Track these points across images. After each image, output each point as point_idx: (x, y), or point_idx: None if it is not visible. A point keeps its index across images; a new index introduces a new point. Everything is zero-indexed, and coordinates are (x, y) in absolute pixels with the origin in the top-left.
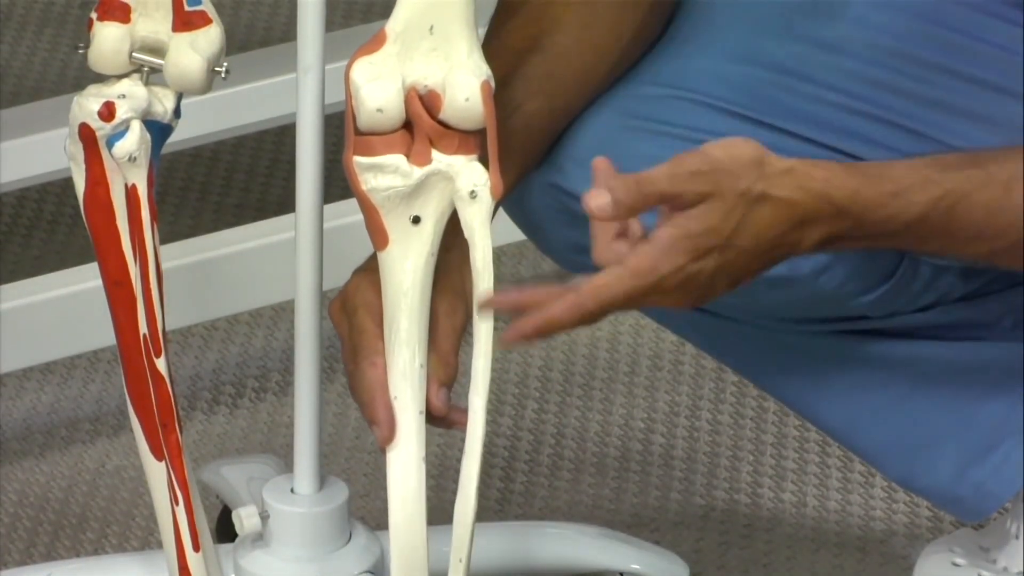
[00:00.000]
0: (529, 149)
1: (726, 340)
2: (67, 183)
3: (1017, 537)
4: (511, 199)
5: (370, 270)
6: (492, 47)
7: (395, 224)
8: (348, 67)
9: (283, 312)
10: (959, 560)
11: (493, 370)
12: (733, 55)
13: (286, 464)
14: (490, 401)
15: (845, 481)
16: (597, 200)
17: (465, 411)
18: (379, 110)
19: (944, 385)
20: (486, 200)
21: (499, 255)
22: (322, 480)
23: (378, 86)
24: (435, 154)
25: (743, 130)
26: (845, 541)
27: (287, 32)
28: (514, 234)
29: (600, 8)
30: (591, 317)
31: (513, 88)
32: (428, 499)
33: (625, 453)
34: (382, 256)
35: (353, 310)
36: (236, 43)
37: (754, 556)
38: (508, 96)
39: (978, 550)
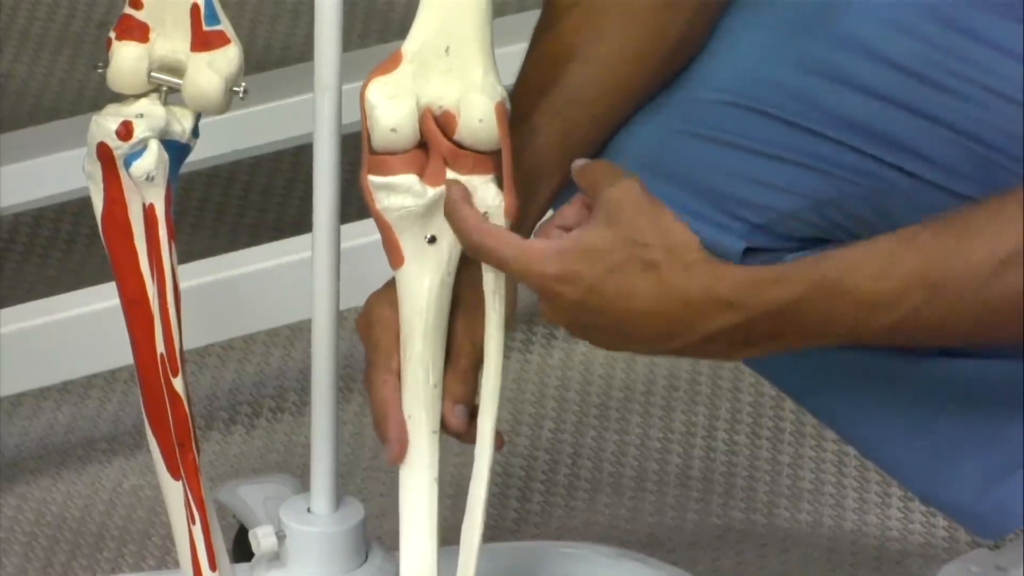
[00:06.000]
0: (570, 157)
1: None
2: (85, 202)
3: None
4: (560, 203)
5: (392, 285)
6: (533, 58)
7: (410, 243)
8: (363, 87)
9: (300, 332)
10: None
11: (510, 390)
12: (783, 60)
13: (303, 484)
14: (507, 421)
15: (861, 501)
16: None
17: None
18: (393, 130)
19: (970, 403)
20: (499, 222)
21: None
22: (339, 500)
23: (393, 106)
24: (450, 174)
25: (793, 138)
26: (861, 561)
27: (304, 52)
28: None
29: (641, 16)
30: (470, 245)
31: (554, 97)
32: (445, 518)
33: (641, 473)
34: (398, 275)
35: (370, 326)
36: (254, 63)
37: None
38: (548, 105)
39: (995, 570)
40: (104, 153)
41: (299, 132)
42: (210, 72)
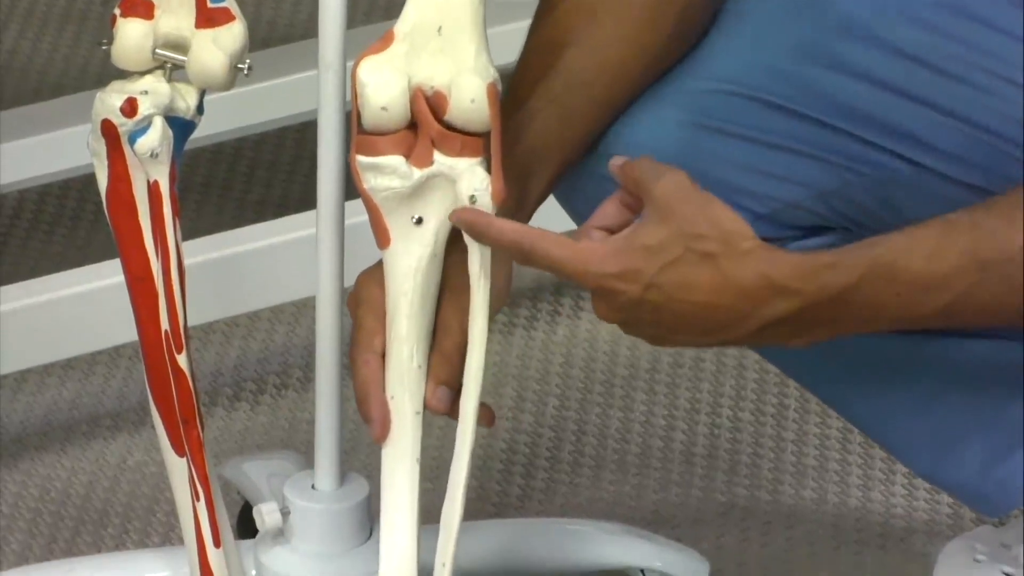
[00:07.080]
0: (569, 141)
1: None
2: (89, 179)
3: None
4: (563, 188)
5: (381, 265)
6: (531, 44)
7: (397, 223)
8: (355, 65)
9: (304, 308)
10: (980, 556)
11: (514, 366)
12: (783, 48)
13: (307, 460)
14: (511, 398)
15: (866, 478)
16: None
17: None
18: (384, 108)
19: (973, 383)
20: (486, 205)
21: None
22: (343, 476)
23: (384, 84)
24: (437, 156)
25: (793, 126)
26: (865, 538)
27: (309, 29)
28: None
29: (634, 6)
30: (520, 253)
31: (552, 82)
32: (435, 498)
33: (646, 450)
34: (385, 255)
35: (357, 305)
36: (258, 40)
37: (774, 553)
38: (546, 90)
39: (999, 546)
40: (108, 130)
41: (303, 109)
42: (214, 49)
